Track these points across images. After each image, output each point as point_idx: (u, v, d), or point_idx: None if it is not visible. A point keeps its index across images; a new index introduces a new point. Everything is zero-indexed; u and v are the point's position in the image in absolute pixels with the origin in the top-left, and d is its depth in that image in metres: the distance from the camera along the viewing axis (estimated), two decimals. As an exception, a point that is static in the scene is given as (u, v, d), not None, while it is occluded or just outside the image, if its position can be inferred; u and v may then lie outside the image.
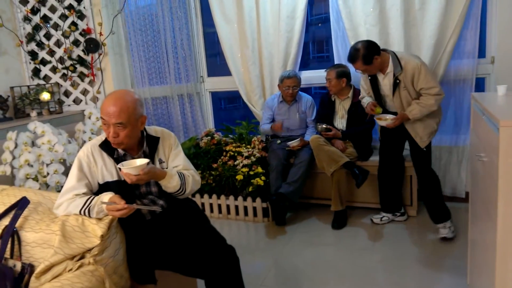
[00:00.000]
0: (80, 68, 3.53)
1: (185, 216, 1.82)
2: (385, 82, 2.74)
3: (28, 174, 2.70)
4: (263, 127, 3.50)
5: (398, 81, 2.62)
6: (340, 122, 3.28)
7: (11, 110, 3.28)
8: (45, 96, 3.36)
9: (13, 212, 1.53)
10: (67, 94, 3.61)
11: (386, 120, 2.69)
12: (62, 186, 2.85)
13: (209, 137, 3.74)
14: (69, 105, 3.59)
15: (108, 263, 1.50)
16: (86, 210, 1.53)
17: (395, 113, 2.75)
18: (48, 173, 2.74)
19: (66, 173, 2.84)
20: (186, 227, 1.76)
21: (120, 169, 1.56)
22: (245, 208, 3.33)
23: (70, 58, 3.49)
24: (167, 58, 3.80)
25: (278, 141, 3.44)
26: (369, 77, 2.81)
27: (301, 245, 2.85)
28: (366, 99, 2.89)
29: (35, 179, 2.73)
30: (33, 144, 2.85)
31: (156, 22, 3.70)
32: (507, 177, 1.13)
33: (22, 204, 1.54)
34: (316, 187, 3.41)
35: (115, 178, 1.68)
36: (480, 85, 3.15)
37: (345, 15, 3.23)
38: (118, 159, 1.70)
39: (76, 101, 3.63)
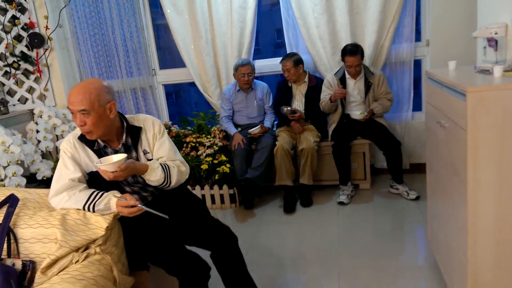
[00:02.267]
0: (24, 65, 3.31)
1: (180, 200, 1.86)
2: (357, 85, 3.26)
3: (-18, 179, 2.51)
4: (225, 125, 3.53)
5: (370, 83, 3.21)
6: (298, 105, 3.47)
7: (-52, 113, 3.00)
8: (-13, 96, 3.12)
9: (4, 210, 1.47)
10: (11, 93, 3.37)
11: (360, 114, 3.21)
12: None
13: (167, 130, 3.72)
14: (14, 105, 3.36)
15: (112, 252, 1.50)
16: (91, 206, 1.51)
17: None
18: (6, 176, 2.58)
19: (25, 174, 2.69)
20: (184, 209, 1.81)
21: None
22: (212, 196, 3.39)
23: (12, 54, 3.25)
24: (116, 51, 3.70)
25: (239, 129, 3.53)
26: (340, 79, 3.27)
27: (273, 224, 3.00)
28: (327, 96, 3.26)
29: (-9, 183, 2.55)
30: (-17, 147, 2.64)
31: (103, 15, 3.58)
32: (474, 135, 1.35)
33: (12, 201, 1.49)
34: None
35: None
36: (417, 66, 3.52)
37: (294, 4, 3.40)
38: (99, 152, 1.67)
39: (21, 100, 3.40)
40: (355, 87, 3.27)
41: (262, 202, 3.41)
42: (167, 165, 1.69)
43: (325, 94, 3.31)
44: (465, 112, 1.34)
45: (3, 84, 3.31)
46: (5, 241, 1.41)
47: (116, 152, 1.68)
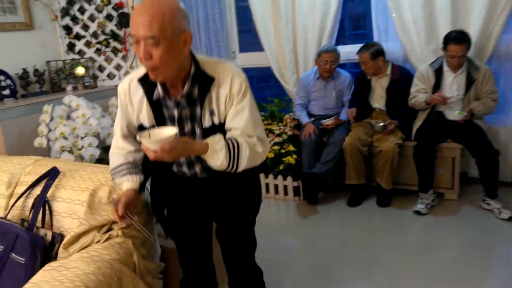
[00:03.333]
0: (113, 43, 3.53)
1: (236, 196, 1.46)
2: (457, 80, 2.79)
3: (63, 146, 2.74)
4: (298, 113, 3.33)
5: (473, 79, 2.74)
6: (378, 102, 3.11)
7: (48, 84, 3.34)
8: (80, 70, 3.39)
9: (44, 182, 1.53)
10: (101, 69, 3.63)
11: (458, 114, 2.74)
12: (96, 159, 2.89)
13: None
14: (103, 80, 3.62)
15: (136, 236, 1.48)
16: (113, 176, 1.41)
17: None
18: (82, 146, 2.78)
19: (100, 146, 2.88)
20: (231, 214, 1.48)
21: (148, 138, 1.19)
22: (276, 186, 3.27)
23: (103, 32, 3.49)
24: (198, 33, 3.72)
25: (312, 119, 3.32)
26: (436, 72, 2.82)
27: (334, 225, 2.77)
28: (421, 96, 2.85)
29: (71, 151, 2.77)
30: (68, 117, 2.88)
31: (188, -5, 3.62)
32: None
33: (52, 174, 1.55)
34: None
35: (152, 124, 1.31)
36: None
37: (386, -16, 3.02)
38: (157, 104, 1.30)
39: (110, 76, 3.65)
40: (454, 81, 2.79)
41: (329, 199, 3.18)
42: (237, 144, 1.25)
43: (417, 88, 2.89)
44: None
45: (95, 60, 3.57)
46: (41, 212, 1.47)
47: (177, 105, 1.28)
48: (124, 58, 3.60)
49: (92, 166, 1.66)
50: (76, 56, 3.50)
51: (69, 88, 3.38)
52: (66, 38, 3.45)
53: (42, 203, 1.47)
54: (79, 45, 3.51)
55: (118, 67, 3.64)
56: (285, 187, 3.22)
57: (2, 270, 1.41)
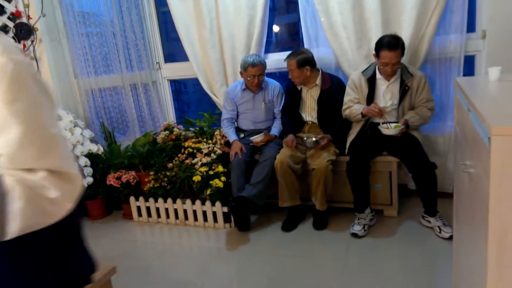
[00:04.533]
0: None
1: None
2: (390, 88, 2.56)
3: None
4: (225, 130, 3.03)
5: (407, 88, 2.52)
6: (310, 114, 2.85)
7: None
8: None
9: None
10: None
11: (394, 129, 2.47)
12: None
13: (167, 132, 3.30)
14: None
15: None
16: None
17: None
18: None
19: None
20: None
21: None
22: (205, 213, 2.92)
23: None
24: (115, 43, 3.33)
25: (242, 135, 3.01)
26: (368, 80, 2.58)
27: (267, 254, 2.46)
28: (357, 107, 2.61)
29: None
30: None
31: (98, 1, 3.21)
32: (499, 206, 0.72)
33: None
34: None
35: None
36: (470, 64, 2.73)
37: (313, -14, 2.78)
38: None
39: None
40: (387, 90, 2.58)
41: (263, 223, 2.87)
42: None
43: (350, 97, 2.65)
44: (487, 163, 0.72)
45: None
46: None
47: None
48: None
49: None
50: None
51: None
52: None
53: None
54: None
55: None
56: (215, 213, 2.88)
57: None
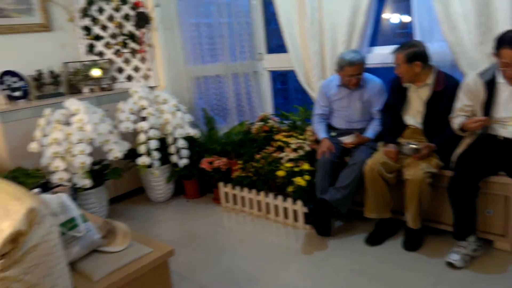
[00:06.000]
0: (131, 44, 3.40)
1: None
2: None
3: (56, 153, 2.65)
4: (315, 126, 2.88)
5: None
6: (414, 117, 2.50)
7: (65, 85, 3.32)
8: (95, 72, 3.32)
9: None
10: (120, 70, 3.53)
11: None
12: (88, 169, 2.75)
13: (262, 123, 3.30)
14: (122, 82, 3.51)
15: (16, 280, 1.22)
16: None
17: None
18: (74, 154, 2.66)
19: (93, 154, 2.74)
20: None
21: None
22: (286, 209, 2.84)
23: (121, 34, 3.37)
24: (221, 33, 3.42)
25: (333, 134, 2.82)
26: (487, 84, 2.14)
27: (340, 267, 2.28)
28: (460, 120, 2.23)
29: (63, 158, 2.67)
30: (68, 122, 2.79)
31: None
32: None
33: None
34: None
35: None
36: None
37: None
38: None
39: (129, 78, 3.53)
40: (511, 97, 2.11)
41: (346, 230, 2.67)
42: None
43: (461, 105, 2.25)
44: None
45: (114, 62, 3.47)
46: None
47: None
48: (143, 60, 3.45)
49: (1, 191, 1.44)
50: (96, 57, 3.43)
51: (85, 90, 3.33)
52: (85, 39, 3.40)
53: None
54: (99, 46, 3.43)
55: (136, 69, 3.50)
56: (296, 211, 2.78)
57: None
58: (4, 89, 2.94)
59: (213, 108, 3.65)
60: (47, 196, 1.63)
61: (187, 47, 3.49)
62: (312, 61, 3.04)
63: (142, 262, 1.60)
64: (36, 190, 1.85)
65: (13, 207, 1.30)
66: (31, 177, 2.53)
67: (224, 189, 3.18)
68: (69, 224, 1.60)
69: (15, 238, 1.24)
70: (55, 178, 2.62)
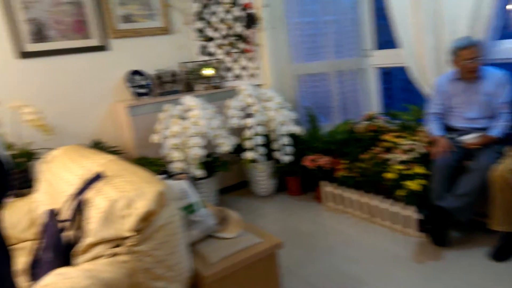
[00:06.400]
0: (240, 44, 3.54)
1: None
2: None
3: (174, 144, 2.89)
4: (429, 125, 2.68)
5: None
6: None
7: (182, 83, 3.60)
8: (207, 71, 3.53)
9: (88, 185, 1.57)
10: (229, 69, 3.70)
11: None
12: (201, 161, 2.95)
13: (368, 122, 3.18)
14: (230, 81, 3.69)
15: (151, 254, 1.36)
16: None
17: None
18: (189, 146, 2.87)
19: (205, 147, 2.93)
20: None
21: None
22: (395, 214, 2.68)
23: (231, 35, 3.53)
24: (325, 30, 3.38)
25: (451, 135, 2.58)
26: None
27: (458, 282, 2.07)
28: None
29: (180, 149, 2.90)
30: (184, 117, 3.02)
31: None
32: None
33: (94, 179, 1.57)
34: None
35: None
36: None
37: None
38: None
39: (238, 77, 3.69)
40: None
41: (465, 243, 2.43)
42: None
43: None
44: None
45: (223, 62, 3.66)
46: (77, 213, 1.51)
47: None
48: (251, 59, 3.58)
49: (134, 174, 1.61)
50: (208, 58, 3.65)
51: (199, 88, 3.56)
52: (199, 40, 3.64)
53: (78, 205, 1.51)
54: (210, 47, 3.65)
55: (244, 68, 3.64)
56: (407, 217, 2.61)
57: (41, 265, 1.51)
58: (132, 87, 3.30)
59: (316, 106, 3.62)
60: (170, 182, 1.78)
61: (291, 46, 3.52)
62: (428, 56, 2.83)
63: (253, 250, 1.66)
64: (161, 176, 2.03)
65: (146, 189, 1.44)
66: (154, 165, 2.80)
67: (327, 188, 3.14)
68: (189, 209, 1.72)
69: (148, 217, 1.37)
70: (173, 167, 2.86)
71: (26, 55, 2.97)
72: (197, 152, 2.86)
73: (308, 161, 3.19)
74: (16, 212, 2.16)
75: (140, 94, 3.34)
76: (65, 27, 3.10)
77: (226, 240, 1.73)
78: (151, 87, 3.40)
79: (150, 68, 3.43)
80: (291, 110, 3.34)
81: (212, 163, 3.19)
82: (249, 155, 3.16)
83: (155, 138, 2.98)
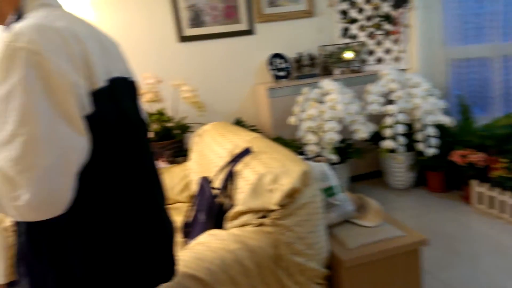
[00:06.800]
0: (386, 26, 3.33)
1: None
2: None
3: (310, 127, 2.90)
4: None
5: None
6: None
7: (319, 67, 3.57)
8: (347, 55, 3.43)
9: (239, 158, 1.69)
10: (371, 53, 3.53)
11: None
12: (335, 146, 2.90)
13: (539, 116, 2.70)
14: (371, 65, 3.52)
15: (293, 230, 1.40)
16: None
17: None
18: (324, 130, 2.85)
19: (340, 132, 2.87)
20: None
21: None
22: None
23: (377, 15, 3.34)
24: (494, 8, 2.93)
25: None
26: None
27: None
28: None
29: (315, 133, 2.91)
30: (322, 101, 3.01)
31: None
32: None
33: (244, 152, 1.68)
34: None
35: None
36: None
37: None
38: None
39: (380, 61, 3.50)
40: None
41: None
42: None
43: None
44: None
45: (365, 45, 3.50)
46: (228, 183, 1.64)
47: None
48: (397, 41, 3.34)
49: (279, 152, 1.67)
50: (349, 40, 3.54)
51: (337, 71, 3.50)
52: (341, 23, 3.55)
53: (229, 175, 1.64)
54: (353, 29, 3.53)
55: (387, 51, 3.43)
56: None
57: (194, 225, 1.69)
58: (272, 69, 3.41)
59: (471, 95, 3.21)
60: (312, 163, 1.79)
61: (447, 26, 3.16)
62: None
63: (395, 243, 1.57)
64: (301, 156, 2.07)
65: (291, 167, 1.47)
66: (289, 146, 2.87)
67: (478, 188, 2.78)
68: (328, 192, 1.71)
69: (292, 194, 1.41)
70: (307, 150, 2.89)
71: (184, 39, 3.31)
72: (332, 136, 2.83)
73: (457, 156, 2.87)
74: (172, 177, 2.46)
75: (279, 77, 3.44)
76: (218, 13, 3.35)
77: (365, 228, 1.68)
78: (289, 70, 3.47)
79: (289, 51, 3.49)
80: (440, 98, 3.03)
81: (346, 149, 3.12)
82: (387, 144, 2.99)
83: (292, 120, 3.04)
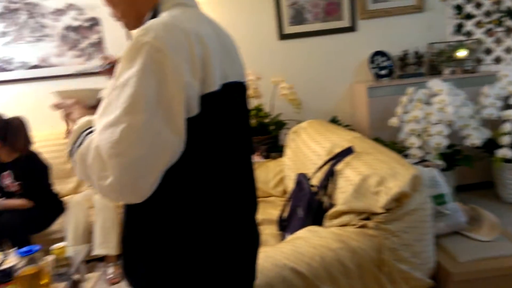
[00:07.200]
0: (508, 22, 2.98)
1: None
2: None
3: (413, 130, 2.73)
4: None
5: None
6: None
7: (426, 66, 3.34)
8: (461, 53, 3.14)
9: (340, 157, 1.66)
10: (488, 52, 3.19)
11: None
12: (442, 151, 2.68)
13: None
14: (487, 64, 3.18)
15: (398, 235, 1.34)
16: None
17: None
18: (431, 134, 2.65)
19: (449, 136, 2.64)
20: None
21: None
22: None
23: (498, 10, 3.01)
24: None
25: None
26: None
27: None
28: None
29: (419, 136, 2.72)
30: (428, 102, 2.81)
31: None
32: None
33: (346, 152, 1.64)
34: None
35: None
36: None
37: None
38: None
39: (497, 60, 3.15)
40: None
41: None
42: (85, 137, 0.81)
43: None
44: None
45: (482, 42, 3.18)
46: (329, 182, 1.63)
47: None
48: (521, 38, 2.98)
49: (384, 154, 1.60)
50: (463, 38, 3.25)
51: (446, 71, 3.23)
52: (454, 18, 3.26)
53: (329, 174, 1.62)
54: (468, 25, 3.22)
55: (508, 50, 3.07)
56: None
57: (291, 220, 1.71)
58: (373, 68, 3.28)
59: None
60: (421, 168, 1.69)
61: None
62: None
63: (513, 262, 1.41)
64: (408, 160, 1.96)
65: (400, 171, 1.40)
66: (390, 149, 2.73)
67: None
68: (438, 200, 1.60)
69: (400, 198, 1.34)
70: (409, 154, 2.72)
71: (284, 36, 3.35)
72: (439, 141, 2.62)
73: None
74: (267, 171, 2.52)
75: (380, 76, 3.29)
76: (319, 10, 3.32)
77: (478, 242, 1.53)
78: (392, 69, 3.30)
79: (393, 49, 3.32)
80: None
81: (453, 156, 2.86)
82: (503, 152, 2.68)
83: (393, 121, 2.89)
